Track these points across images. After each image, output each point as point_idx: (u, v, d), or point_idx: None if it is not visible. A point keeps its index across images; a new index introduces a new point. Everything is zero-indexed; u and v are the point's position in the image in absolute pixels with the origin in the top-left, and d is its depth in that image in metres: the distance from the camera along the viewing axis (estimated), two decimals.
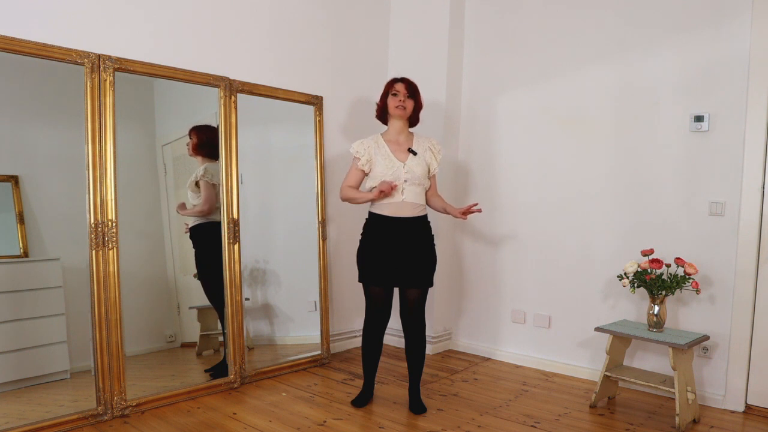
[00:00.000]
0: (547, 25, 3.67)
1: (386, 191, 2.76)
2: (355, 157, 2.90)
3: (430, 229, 2.95)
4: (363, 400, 3.01)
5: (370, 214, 2.92)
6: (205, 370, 3.24)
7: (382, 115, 2.98)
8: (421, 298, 2.91)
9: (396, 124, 2.93)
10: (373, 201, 2.87)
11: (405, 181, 2.83)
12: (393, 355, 3.89)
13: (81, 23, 2.72)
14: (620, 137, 3.40)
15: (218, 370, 3.22)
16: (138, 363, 3.02)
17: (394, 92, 2.90)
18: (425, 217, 2.94)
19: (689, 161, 3.16)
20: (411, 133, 2.99)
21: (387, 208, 2.84)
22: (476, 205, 2.90)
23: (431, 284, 2.93)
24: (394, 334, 3.99)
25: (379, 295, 2.90)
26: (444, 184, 3.80)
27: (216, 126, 3.19)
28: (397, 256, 2.83)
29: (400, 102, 2.88)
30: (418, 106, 2.96)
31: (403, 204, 2.84)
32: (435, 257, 2.95)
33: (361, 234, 2.95)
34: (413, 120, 2.99)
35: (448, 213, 2.99)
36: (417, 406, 2.93)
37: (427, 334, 3.95)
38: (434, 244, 2.96)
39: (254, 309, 3.55)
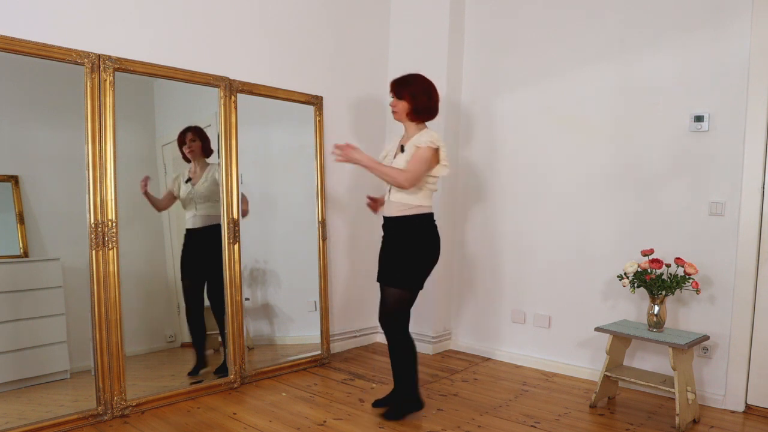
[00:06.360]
0: (547, 25, 3.67)
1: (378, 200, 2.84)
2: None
3: (415, 229, 2.76)
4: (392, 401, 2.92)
5: None
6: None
7: None
8: (390, 298, 2.77)
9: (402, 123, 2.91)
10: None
11: None
12: None
13: (81, 23, 2.72)
14: (620, 137, 3.39)
15: (218, 371, 3.22)
16: (138, 363, 3.01)
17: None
18: (413, 217, 2.77)
19: (689, 161, 3.16)
20: (420, 128, 2.86)
21: (383, 207, 2.91)
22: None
23: (397, 284, 2.74)
24: None
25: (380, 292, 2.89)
26: (444, 184, 3.79)
27: (205, 126, 3.23)
28: (381, 253, 2.87)
29: (393, 107, 2.87)
30: (415, 101, 2.79)
31: (390, 204, 2.83)
32: (408, 259, 2.75)
33: None
34: (420, 115, 2.84)
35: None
36: (389, 412, 2.83)
37: (427, 334, 3.98)
38: (415, 246, 2.76)
39: (254, 309, 3.54)
